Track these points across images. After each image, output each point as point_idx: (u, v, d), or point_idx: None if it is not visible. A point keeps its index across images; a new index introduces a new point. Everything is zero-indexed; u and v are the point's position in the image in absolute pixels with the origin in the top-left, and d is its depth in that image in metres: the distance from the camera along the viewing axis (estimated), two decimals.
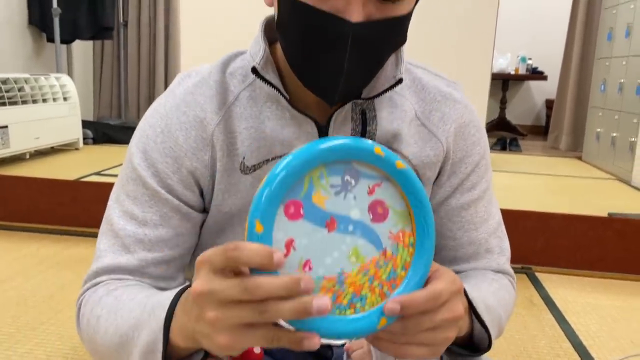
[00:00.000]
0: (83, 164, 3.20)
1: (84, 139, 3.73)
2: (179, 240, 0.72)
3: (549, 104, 5.23)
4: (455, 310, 0.53)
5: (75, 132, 3.59)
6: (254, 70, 0.69)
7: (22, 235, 2.11)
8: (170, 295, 0.58)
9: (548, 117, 5.24)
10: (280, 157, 0.72)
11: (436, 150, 0.76)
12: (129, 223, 0.70)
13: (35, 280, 1.69)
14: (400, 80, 0.71)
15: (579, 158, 4.17)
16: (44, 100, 3.29)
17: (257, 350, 0.55)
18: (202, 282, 0.46)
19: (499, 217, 0.82)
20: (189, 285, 0.57)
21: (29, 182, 2.23)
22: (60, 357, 1.26)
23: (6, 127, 2.96)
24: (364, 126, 0.73)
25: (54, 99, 3.36)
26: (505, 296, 0.76)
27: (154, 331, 0.57)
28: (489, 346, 0.68)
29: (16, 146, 3.04)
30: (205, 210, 0.75)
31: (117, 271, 0.70)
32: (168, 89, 0.76)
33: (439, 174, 0.78)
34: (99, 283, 0.70)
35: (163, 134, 0.71)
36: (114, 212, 0.72)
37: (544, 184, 3.18)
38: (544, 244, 1.91)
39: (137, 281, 0.70)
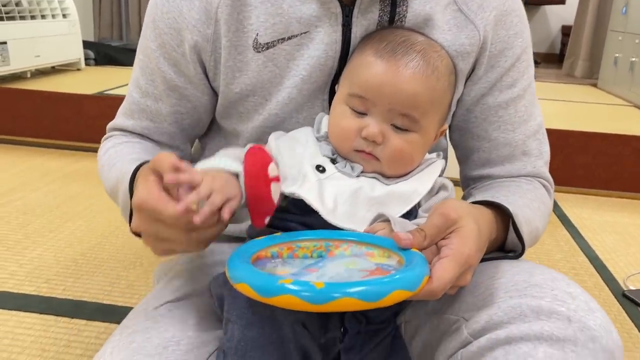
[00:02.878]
0: (85, 84, 3.12)
1: (86, 59, 3.62)
2: (177, 117, 0.74)
3: (566, 31, 5.03)
4: (465, 281, 0.54)
5: (77, 52, 3.48)
6: None
7: (27, 149, 2.07)
8: (130, 168, 0.63)
9: (563, 44, 5.07)
10: (297, 36, 0.66)
11: (472, 39, 0.69)
12: (135, 90, 0.74)
13: (41, 192, 1.66)
14: None
15: (594, 85, 4.05)
16: (43, 17, 3.16)
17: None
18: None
19: (540, 119, 0.76)
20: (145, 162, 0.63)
21: (32, 96, 2.17)
22: (70, 261, 1.25)
23: (5, 43, 2.86)
24: (393, 8, 0.66)
25: (53, 16, 3.23)
26: (540, 207, 0.71)
27: (125, 195, 0.64)
28: (520, 254, 0.65)
29: (16, 64, 2.95)
30: (214, 91, 0.73)
31: (126, 132, 0.76)
32: None
33: (474, 67, 0.71)
34: (112, 135, 0.76)
35: (169, 3, 0.68)
36: (132, 78, 0.75)
37: (557, 110, 3.09)
38: (561, 162, 1.86)
39: (142, 139, 0.75)
